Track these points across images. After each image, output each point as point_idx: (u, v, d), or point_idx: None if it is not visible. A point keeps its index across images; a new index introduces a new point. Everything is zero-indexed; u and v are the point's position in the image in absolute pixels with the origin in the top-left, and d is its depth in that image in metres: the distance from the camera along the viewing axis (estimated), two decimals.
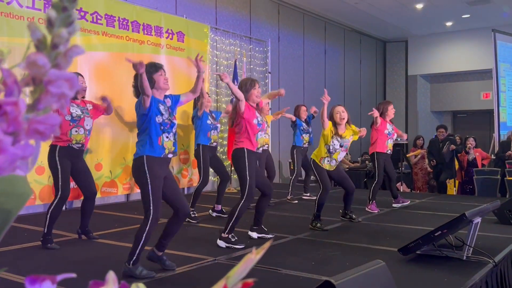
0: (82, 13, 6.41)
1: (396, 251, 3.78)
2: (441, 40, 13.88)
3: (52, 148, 4.37)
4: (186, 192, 8.03)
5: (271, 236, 4.60)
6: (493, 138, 10.84)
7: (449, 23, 13.01)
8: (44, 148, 5.92)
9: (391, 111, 6.42)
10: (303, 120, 7.32)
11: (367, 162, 11.01)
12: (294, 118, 7.24)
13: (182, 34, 7.93)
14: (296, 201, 7.11)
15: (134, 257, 3.36)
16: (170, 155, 3.54)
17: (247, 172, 4.27)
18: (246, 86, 4.40)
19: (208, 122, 5.89)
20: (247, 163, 4.27)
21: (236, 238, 4.31)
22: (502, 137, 10.53)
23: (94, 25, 6.56)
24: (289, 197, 7.11)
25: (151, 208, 3.39)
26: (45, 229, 4.28)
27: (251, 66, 9.62)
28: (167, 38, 7.66)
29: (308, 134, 7.30)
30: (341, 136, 5.22)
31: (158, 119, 3.48)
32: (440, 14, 11.96)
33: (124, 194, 7.14)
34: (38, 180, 5.94)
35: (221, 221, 5.51)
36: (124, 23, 6.98)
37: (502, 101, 10.82)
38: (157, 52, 7.47)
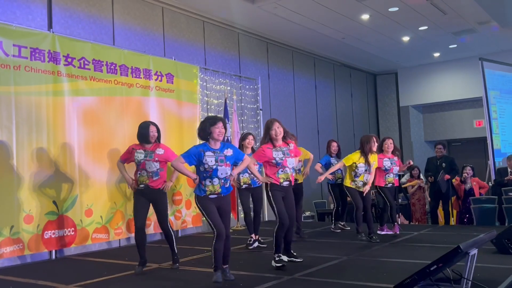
0: (70, 59, 6.43)
1: None
2: (430, 70, 14.03)
3: None
4: (180, 235, 7.87)
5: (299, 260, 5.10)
6: (489, 165, 10.78)
7: (436, 54, 13.18)
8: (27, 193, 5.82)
9: (386, 145, 6.80)
10: (332, 156, 7.67)
11: (372, 193, 10.88)
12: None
13: (171, 76, 7.97)
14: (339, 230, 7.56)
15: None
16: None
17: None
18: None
19: None
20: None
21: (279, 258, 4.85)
22: (497, 164, 10.48)
23: (82, 71, 6.57)
24: (332, 227, 7.68)
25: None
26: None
27: (242, 104, 9.65)
28: (156, 80, 7.68)
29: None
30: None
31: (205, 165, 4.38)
32: (427, 45, 12.12)
33: (116, 240, 6.98)
34: (27, 229, 5.79)
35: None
36: (112, 67, 7.01)
37: (494, 128, 10.84)
38: (147, 95, 7.48)
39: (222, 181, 4.34)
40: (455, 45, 12.21)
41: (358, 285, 4.13)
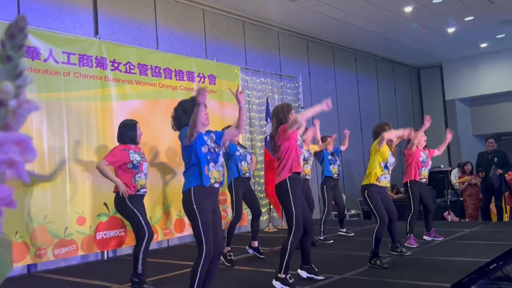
0: (116, 64, 6.60)
1: (449, 287, 3.54)
2: (477, 62, 13.56)
3: (121, 197, 4.39)
4: (224, 234, 7.90)
5: (321, 278, 4.39)
6: None
7: (483, 45, 12.72)
8: (82, 197, 6.01)
9: (421, 139, 6.23)
10: (330, 151, 7.12)
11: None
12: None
13: (213, 77, 8.05)
14: (332, 241, 6.63)
15: None
16: (216, 185, 3.46)
17: (292, 204, 4.07)
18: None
19: (237, 153, 5.70)
20: (291, 195, 4.09)
21: (293, 280, 4.13)
22: None
23: (128, 75, 6.73)
24: (321, 237, 6.66)
25: (203, 243, 3.34)
26: (140, 270, 4.24)
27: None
28: (199, 82, 7.77)
29: (335, 165, 7.07)
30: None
31: (204, 149, 3.45)
32: (473, 36, 11.72)
33: (165, 240, 7.11)
34: (80, 231, 5.99)
35: (259, 262, 5.37)
36: (157, 70, 7.14)
37: None
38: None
39: (222, 170, 3.55)
40: (503, 35, 11.75)
41: (411, 284, 4.03)
